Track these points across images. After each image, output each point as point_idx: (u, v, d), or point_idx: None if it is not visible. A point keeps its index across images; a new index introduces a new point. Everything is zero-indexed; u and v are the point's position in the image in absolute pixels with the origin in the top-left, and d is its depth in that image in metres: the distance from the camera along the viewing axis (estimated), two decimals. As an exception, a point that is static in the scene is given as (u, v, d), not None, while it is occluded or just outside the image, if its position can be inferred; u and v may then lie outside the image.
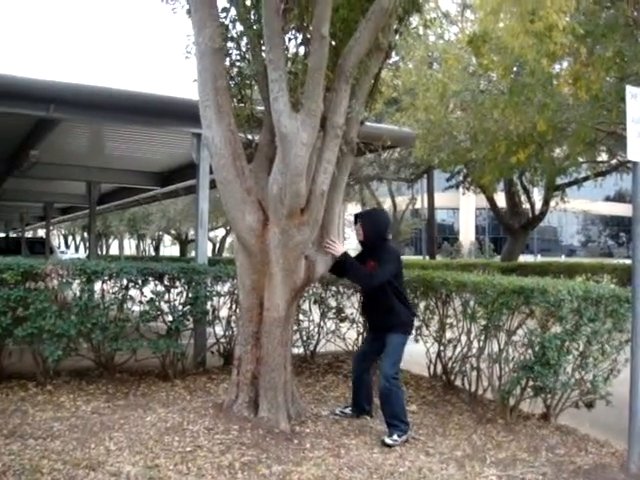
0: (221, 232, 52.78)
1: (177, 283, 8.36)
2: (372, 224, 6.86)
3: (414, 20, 7.32)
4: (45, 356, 7.49)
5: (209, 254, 50.14)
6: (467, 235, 61.91)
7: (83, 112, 8.93)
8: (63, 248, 67.06)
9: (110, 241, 67.49)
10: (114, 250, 66.72)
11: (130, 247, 69.79)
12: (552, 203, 26.61)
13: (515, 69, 13.75)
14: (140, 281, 8.08)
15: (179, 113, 9.21)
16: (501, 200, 27.81)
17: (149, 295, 8.20)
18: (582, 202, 42.55)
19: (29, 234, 41.09)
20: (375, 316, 6.90)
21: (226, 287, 8.82)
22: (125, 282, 7.99)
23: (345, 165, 6.71)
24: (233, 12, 6.86)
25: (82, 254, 50.95)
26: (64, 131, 10.68)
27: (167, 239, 62.34)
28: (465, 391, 8.05)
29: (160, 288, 8.23)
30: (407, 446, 6.18)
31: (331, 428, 6.62)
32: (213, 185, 15.55)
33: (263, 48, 6.29)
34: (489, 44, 12.79)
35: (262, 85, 6.83)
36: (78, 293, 7.77)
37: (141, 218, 45.52)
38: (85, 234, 61.21)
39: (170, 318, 8.32)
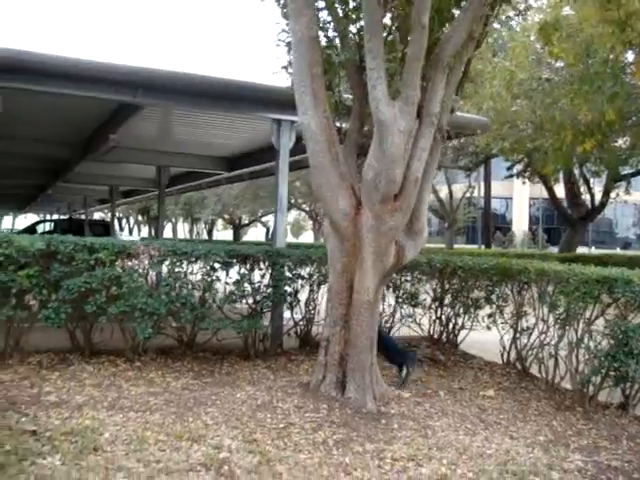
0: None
1: (262, 265, 8.55)
2: None
3: (505, 9, 7.38)
4: (136, 333, 7.73)
5: (262, 238, 50.58)
6: (520, 225, 61.47)
7: (168, 98, 9.11)
8: (117, 230, 67.89)
9: (164, 224, 68.11)
10: (167, 233, 67.39)
11: (184, 231, 70.49)
12: (612, 194, 26.40)
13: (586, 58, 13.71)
14: (226, 263, 8.26)
15: (260, 99, 9.37)
16: (560, 191, 27.64)
17: (234, 277, 8.39)
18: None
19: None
20: None
21: (307, 271, 8.98)
22: (213, 264, 8.17)
23: (436, 152, 6.82)
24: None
25: (136, 236, 51.64)
26: (143, 116, 10.88)
27: (219, 223, 62.92)
28: (541, 378, 8.11)
29: (244, 270, 8.41)
30: (491, 430, 6.29)
31: (414, 410, 6.75)
32: (269, 173, 15.96)
33: (352, 36, 6.44)
34: (560, 32, 12.77)
35: (351, 72, 6.97)
36: (168, 273, 7.98)
37: (196, 202, 46.01)
38: (139, 217, 61.98)
39: (254, 300, 8.50)
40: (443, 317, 9.74)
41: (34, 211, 44.99)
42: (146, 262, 7.81)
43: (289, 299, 8.80)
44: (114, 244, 7.60)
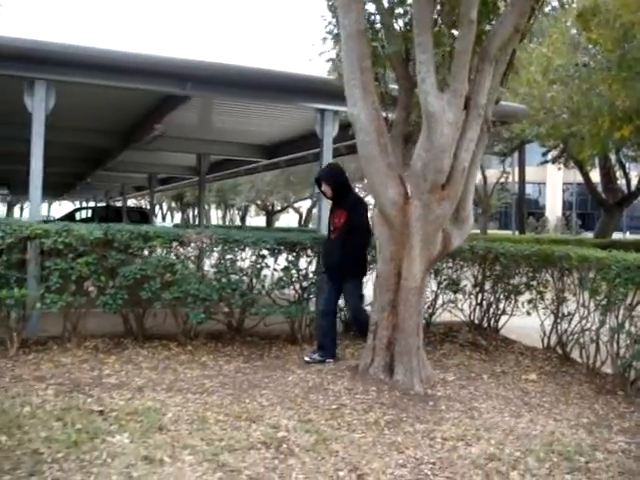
0: (306, 204, 53.27)
1: (309, 252, 8.77)
2: (333, 179, 7.91)
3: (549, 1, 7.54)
4: (188, 318, 8.01)
5: (295, 224, 50.78)
6: (554, 210, 61.22)
7: (216, 89, 9.38)
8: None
9: (204, 211, 68.65)
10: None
11: (217, 217, 70.97)
12: (649, 179, 26.37)
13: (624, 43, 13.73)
14: (275, 250, 8.51)
15: (305, 89, 9.62)
16: (595, 176, 27.60)
17: (282, 264, 8.64)
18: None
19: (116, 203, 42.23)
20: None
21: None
22: (262, 251, 8.43)
23: (482, 142, 7.01)
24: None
25: (169, 223, 52.12)
26: (188, 106, 11.13)
27: (252, 210, 63.25)
28: (582, 363, 8.27)
29: (292, 257, 8.65)
30: (534, 412, 6.47)
31: (459, 392, 6.95)
32: (306, 160, 16.21)
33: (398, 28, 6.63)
34: (598, 17, 12.83)
35: (396, 64, 7.18)
36: (219, 260, 8.24)
37: (229, 189, 46.29)
38: (173, 203, 62.47)
39: (301, 286, 8.75)
40: (484, 303, 9.88)
41: (70, 198, 45.49)
42: (198, 249, 8.06)
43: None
44: (168, 232, 7.88)
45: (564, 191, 63.02)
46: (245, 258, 8.52)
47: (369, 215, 7.86)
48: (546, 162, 28.52)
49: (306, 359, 7.73)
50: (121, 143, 15.55)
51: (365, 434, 5.52)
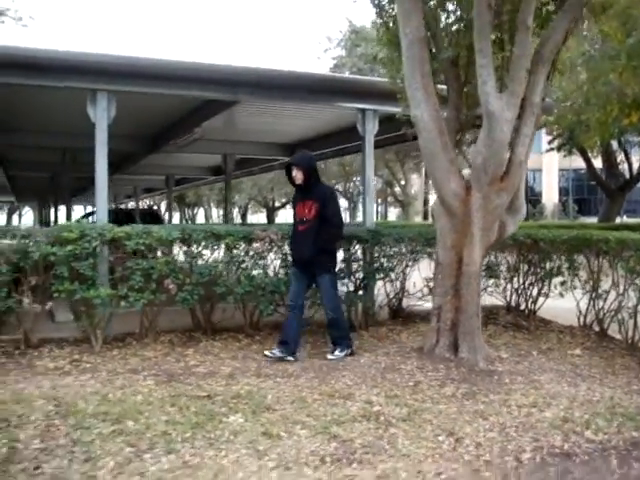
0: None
1: (365, 245, 9.33)
2: (307, 165, 7.80)
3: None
4: (260, 310, 8.57)
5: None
6: (550, 196, 61.65)
7: (264, 94, 9.84)
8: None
9: (196, 210, 69.26)
10: (200, 219, 68.49)
11: (218, 215, 71.50)
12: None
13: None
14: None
15: (346, 90, 10.15)
16: (596, 162, 28.17)
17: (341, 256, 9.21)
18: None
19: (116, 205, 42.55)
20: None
21: (401, 248, 9.77)
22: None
23: (532, 137, 7.58)
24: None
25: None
26: (230, 110, 11.62)
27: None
28: (621, 338, 8.89)
29: (351, 249, 9.22)
30: (588, 382, 7.06)
31: (517, 367, 7.55)
32: (325, 157, 16.70)
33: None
34: (608, 11, 13.36)
35: (447, 67, 7.75)
36: (284, 254, 8.80)
37: (232, 187, 46.81)
38: (175, 204, 62.90)
39: (356, 276, 9.32)
40: (522, 286, 10.44)
41: (76, 202, 45.70)
42: (267, 246, 8.61)
43: (391, 275, 9.58)
44: (238, 231, 8.42)
45: (560, 177, 63.54)
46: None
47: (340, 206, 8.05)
48: (552, 149, 29.08)
49: (266, 353, 7.67)
50: (148, 147, 16.02)
51: (448, 405, 6.10)
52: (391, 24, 8.31)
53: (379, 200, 61.31)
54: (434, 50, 7.81)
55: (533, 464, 4.90)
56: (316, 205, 7.57)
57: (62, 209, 49.53)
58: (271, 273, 8.79)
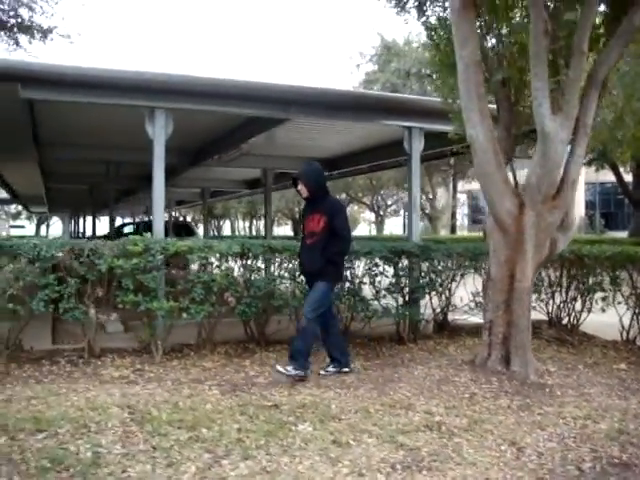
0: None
1: (415, 260, 9.58)
2: (313, 178, 7.71)
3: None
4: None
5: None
6: (577, 210, 61.59)
7: (314, 112, 10.14)
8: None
9: (221, 222, 69.75)
10: (227, 231, 68.95)
11: (244, 228, 72.00)
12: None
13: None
14: (387, 257, 9.33)
15: (393, 109, 10.41)
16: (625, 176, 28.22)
17: (390, 270, 9.46)
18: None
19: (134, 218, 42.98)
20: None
21: (448, 264, 10.01)
22: (376, 259, 9.25)
23: (584, 157, 7.81)
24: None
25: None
26: (278, 127, 11.89)
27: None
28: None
29: (401, 264, 9.47)
30: (638, 395, 7.26)
31: (566, 380, 7.77)
32: (360, 172, 16.94)
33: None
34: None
35: (498, 88, 7.99)
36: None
37: (259, 200, 47.21)
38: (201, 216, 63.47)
39: (405, 290, 9.56)
40: (565, 301, 10.64)
41: (106, 214, 46.14)
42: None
43: (439, 289, 9.82)
44: (294, 245, 8.69)
45: (586, 191, 63.46)
46: (359, 266, 9.29)
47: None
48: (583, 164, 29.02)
49: (321, 372, 7.78)
50: (189, 161, 16.33)
51: (506, 416, 6.32)
52: (442, 46, 8.55)
53: (406, 214, 61.53)
54: (484, 72, 8.03)
55: (594, 473, 5.10)
56: (324, 218, 7.45)
57: (89, 219, 50.17)
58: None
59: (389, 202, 56.41)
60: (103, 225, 41.85)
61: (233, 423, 5.86)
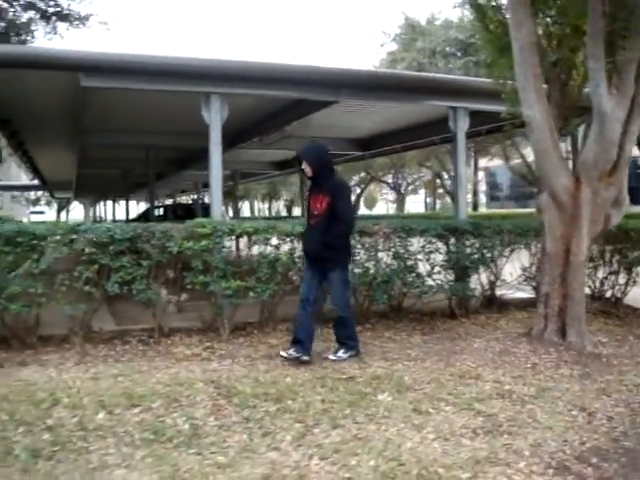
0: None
1: (467, 236, 9.87)
2: (317, 157, 7.46)
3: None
4: (375, 299, 9.14)
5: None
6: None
7: (363, 94, 10.37)
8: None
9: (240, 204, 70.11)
10: (246, 212, 69.32)
11: (263, 209, 72.35)
12: None
13: None
14: (441, 235, 9.64)
15: (438, 89, 10.66)
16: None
17: (442, 247, 9.76)
18: None
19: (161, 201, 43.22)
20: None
21: (498, 240, 10.28)
22: (431, 237, 9.54)
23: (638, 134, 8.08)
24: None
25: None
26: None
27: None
28: None
29: (454, 241, 9.77)
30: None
31: (620, 350, 8.09)
32: (394, 151, 17.20)
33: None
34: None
35: (550, 69, 8.22)
36: (394, 246, 9.36)
37: (280, 182, 47.56)
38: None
39: (459, 266, 9.86)
40: (608, 274, 10.90)
41: (130, 198, 46.40)
42: (382, 238, 9.15)
43: (490, 265, 10.10)
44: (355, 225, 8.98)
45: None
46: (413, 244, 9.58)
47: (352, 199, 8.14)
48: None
49: (282, 354, 7.40)
50: (227, 143, 16.48)
51: (570, 384, 6.63)
52: (493, 28, 8.77)
53: (427, 191, 61.70)
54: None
55: (664, 435, 5.40)
56: (327, 199, 7.24)
57: (110, 205, 50.47)
58: (383, 265, 9.28)
59: (409, 181, 56.52)
60: (122, 210, 42.24)
61: (315, 395, 6.18)
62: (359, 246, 9.09)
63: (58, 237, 7.89)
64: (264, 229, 8.56)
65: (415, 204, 68.56)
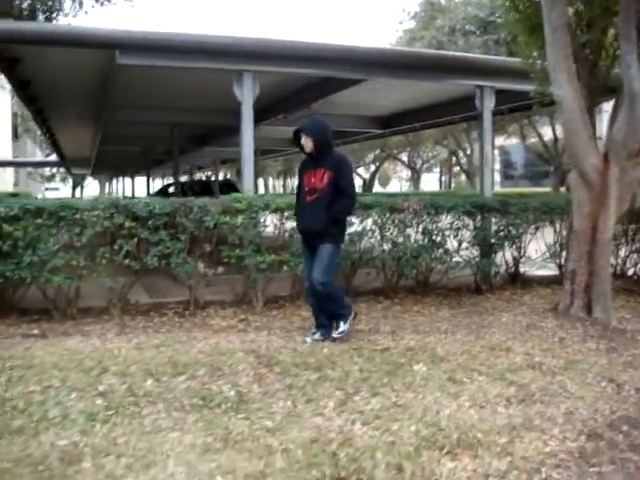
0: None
1: (494, 213, 10.08)
2: (319, 132, 7.16)
3: None
4: (404, 274, 9.40)
5: (359, 190, 52.28)
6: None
7: (393, 73, 10.53)
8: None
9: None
10: (260, 189, 69.57)
11: (277, 185, 72.59)
12: None
13: None
14: (469, 212, 9.87)
15: (465, 68, 10.84)
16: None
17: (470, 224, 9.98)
18: None
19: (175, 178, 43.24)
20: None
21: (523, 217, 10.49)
22: (460, 214, 9.78)
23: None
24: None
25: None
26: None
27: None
28: None
29: (479, 217, 9.99)
30: None
31: (642, 327, 8.27)
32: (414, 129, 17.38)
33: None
34: None
35: (577, 48, 8.38)
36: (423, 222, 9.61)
37: (295, 158, 47.62)
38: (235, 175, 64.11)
39: (485, 242, 10.09)
40: (631, 253, 11.10)
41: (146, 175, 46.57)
42: (411, 215, 9.37)
43: (516, 242, 10.32)
44: (385, 201, 9.21)
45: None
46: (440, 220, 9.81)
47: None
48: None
49: (307, 339, 7.31)
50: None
51: (598, 358, 6.83)
52: (523, 8, 8.93)
53: (443, 169, 61.76)
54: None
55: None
56: (329, 174, 7.00)
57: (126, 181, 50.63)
58: (412, 240, 9.51)
59: (425, 159, 56.55)
60: (139, 187, 42.56)
61: (352, 364, 6.41)
62: (389, 222, 9.30)
63: (99, 212, 8.10)
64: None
65: (429, 183, 68.60)
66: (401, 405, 5.39)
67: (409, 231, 9.54)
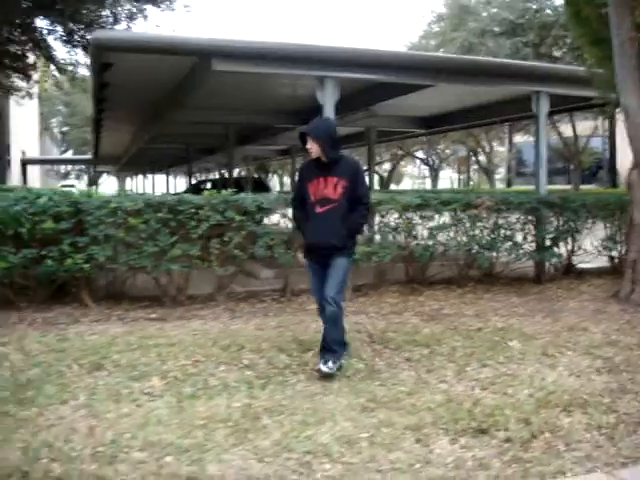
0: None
1: (556, 210, 11.02)
2: (328, 135, 6.24)
3: None
4: (479, 264, 10.35)
5: (377, 187, 52.97)
6: (623, 164, 61.69)
7: (456, 79, 11.31)
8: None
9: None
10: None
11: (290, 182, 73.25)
12: None
13: None
14: (535, 209, 10.82)
15: (524, 75, 11.70)
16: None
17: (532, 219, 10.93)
18: None
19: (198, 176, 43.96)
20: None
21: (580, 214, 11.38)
22: (526, 210, 10.73)
23: None
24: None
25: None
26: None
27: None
28: None
29: (546, 213, 10.96)
30: None
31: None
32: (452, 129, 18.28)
33: None
34: None
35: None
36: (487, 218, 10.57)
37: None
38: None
39: (544, 235, 11.03)
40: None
41: (170, 172, 47.11)
42: (484, 211, 10.28)
43: (575, 235, 11.25)
44: (461, 198, 10.13)
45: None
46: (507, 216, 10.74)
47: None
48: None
49: (325, 370, 6.20)
50: (296, 121, 17.45)
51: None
52: (590, 21, 9.77)
53: (460, 168, 62.36)
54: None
55: None
56: (343, 183, 6.16)
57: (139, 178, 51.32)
58: (485, 233, 10.49)
59: (443, 157, 57.08)
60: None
61: (455, 342, 7.29)
62: (465, 217, 10.20)
63: (211, 207, 8.99)
64: (386, 200, 9.70)
65: (443, 180, 69.29)
66: (509, 374, 6.25)
67: (481, 225, 10.43)
